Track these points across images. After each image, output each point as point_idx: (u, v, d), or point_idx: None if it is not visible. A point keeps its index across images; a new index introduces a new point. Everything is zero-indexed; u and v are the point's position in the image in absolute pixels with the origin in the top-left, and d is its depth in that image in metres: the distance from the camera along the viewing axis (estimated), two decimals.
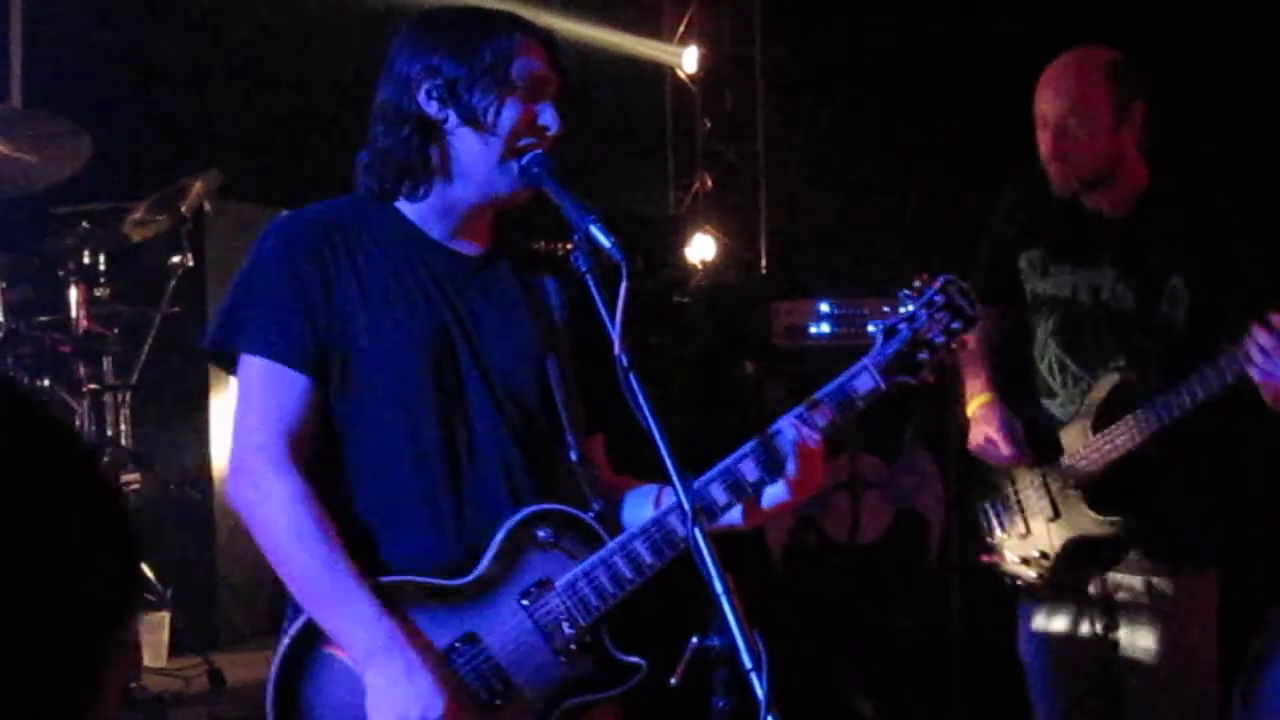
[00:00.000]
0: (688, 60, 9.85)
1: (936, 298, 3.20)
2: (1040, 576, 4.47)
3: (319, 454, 3.11)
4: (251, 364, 3.06)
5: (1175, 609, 4.33)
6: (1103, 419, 4.28)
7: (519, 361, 3.17)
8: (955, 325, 3.19)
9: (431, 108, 3.10)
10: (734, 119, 9.92)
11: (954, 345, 3.21)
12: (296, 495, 2.98)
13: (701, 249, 9.39)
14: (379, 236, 3.15)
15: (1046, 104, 4.35)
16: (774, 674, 2.40)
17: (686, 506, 2.57)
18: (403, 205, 3.19)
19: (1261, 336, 3.85)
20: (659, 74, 10.04)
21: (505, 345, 3.16)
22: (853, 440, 7.24)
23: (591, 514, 3.11)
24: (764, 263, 9.52)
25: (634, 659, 3.09)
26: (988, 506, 4.60)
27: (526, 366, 3.17)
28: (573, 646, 3.04)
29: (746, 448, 3.09)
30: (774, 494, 3.11)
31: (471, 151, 3.10)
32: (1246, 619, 4.36)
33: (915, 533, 7.32)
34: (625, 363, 2.66)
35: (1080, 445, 4.32)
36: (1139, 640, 4.37)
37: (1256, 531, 4.38)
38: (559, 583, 3.04)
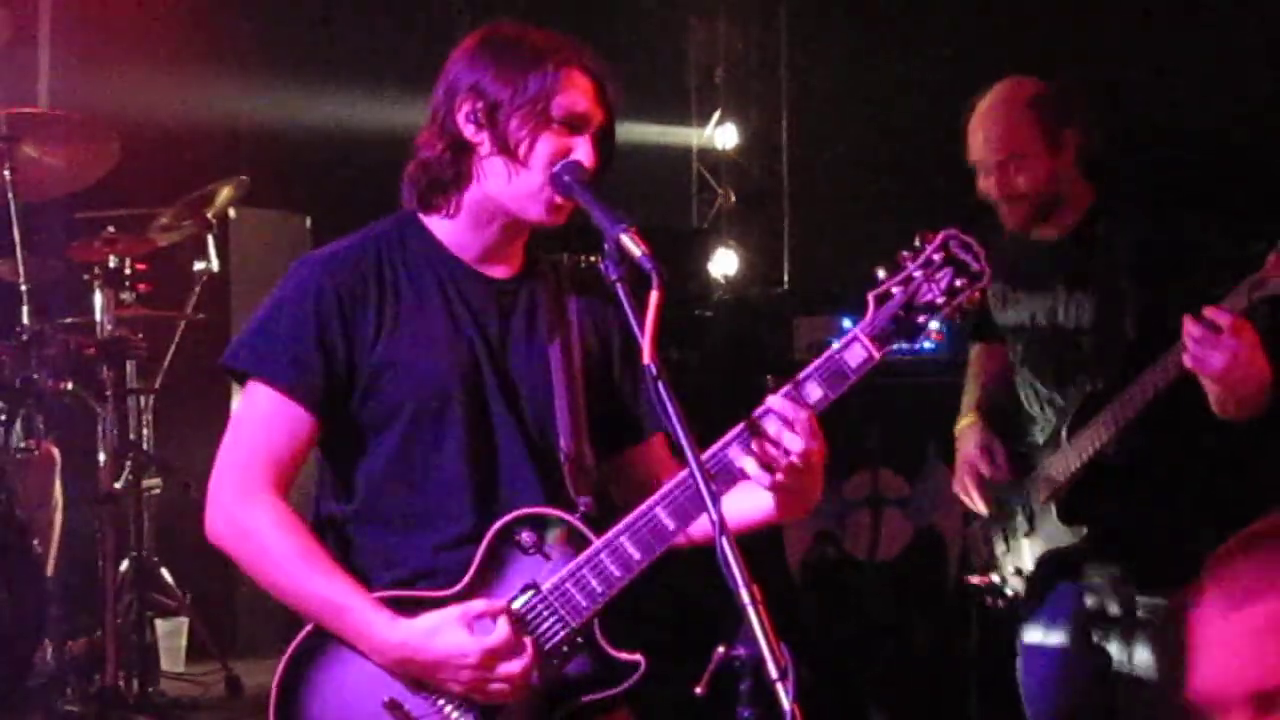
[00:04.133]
0: (713, 74, 9.86)
1: (935, 255, 3.06)
2: (1016, 594, 4.51)
3: (336, 470, 3.15)
4: (259, 391, 3.07)
5: (1168, 624, 4.32)
6: (1075, 427, 4.28)
7: (539, 380, 3.17)
8: (959, 282, 3.04)
9: (469, 130, 3.10)
10: (759, 134, 9.92)
11: (963, 303, 3.06)
12: (281, 524, 3.00)
13: (724, 263, 9.38)
14: (413, 263, 3.15)
15: (979, 150, 4.36)
16: (798, 686, 2.39)
17: (714, 517, 2.55)
18: (435, 224, 3.19)
19: (1191, 326, 3.87)
20: (684, 88, 10.05)
21: (527, 366, 3.17)
22: (874, 457, 7.23)
23: (578, 514, 3.10)
24: (786, 278, 9.51)
25: (632, 657, 3.06)
26: (978, 528, 4.64)
27: (544, 384, 3.18)
28: (565, 649, 3.02)
29: (732, 433, 3.00)
30: (770, 479, 2.99)
31: (503, 179, 3.10)
32: None
33: (934, 551, 7.30)
34: (654, 372, 2.65)
35: (1055, 455, 4.34)
36: (1132, 656, 4.36)
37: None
38: (545, 585, 3.02)
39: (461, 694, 2.95)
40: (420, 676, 2.95)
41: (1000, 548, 4.54)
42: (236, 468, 3.06)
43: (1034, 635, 4.54)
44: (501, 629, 2.93)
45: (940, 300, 3.05)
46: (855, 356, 3.05)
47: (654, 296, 2.66)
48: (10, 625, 5.56)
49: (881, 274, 3.10)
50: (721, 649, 2.50)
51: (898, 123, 8.88)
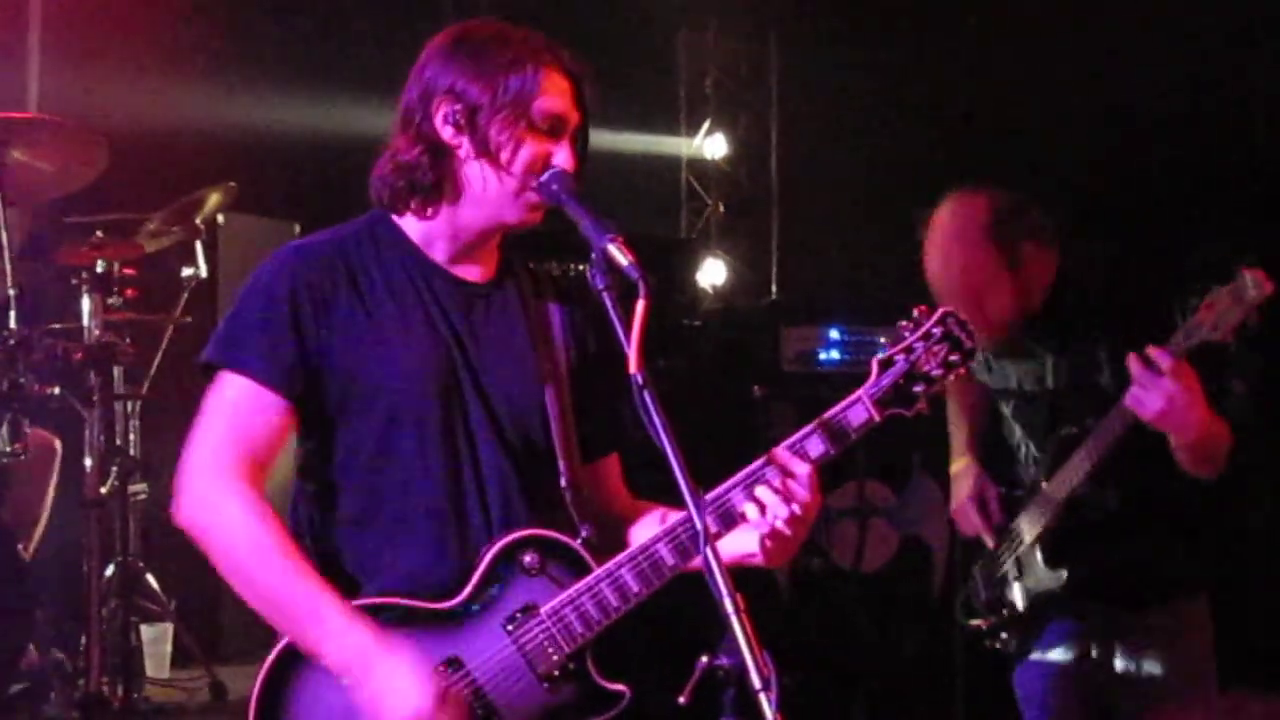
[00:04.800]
0: (703, 84, 9.87)
1: (934, 330, 3.23)
2: (1012, 638, 4.55)
3: (313, 474, 3.13)
4: (232, 382, 3.05)
5: (1167, 644, 4.34)
6: (1053, 471, 4.33)
7: (519, 387, 3.18)
8: (953, 358, 3.23)
9: (447, 133, 3.10)
10: (748, 144, 9.93)
11: (952, 377, 3.24)
12: (252, 512, 2.97)
13: (712, 273, 9.39)
14: (385, 263, 3.15)
15: (939, 284, 4.36)
16: (782, 696, 2.40)
17: (699, 525, 2.56)
18: (408, 224, 3.19)
19: (1133, 365, 3.92)
20: (673, 98, 10.06)
21: (506, 372, 3.17)
22: (861, 467, 7.23)
23: (579, 540, 3.11)
24: (775, 288, 9.52)
25: (618, 687, 3.08)
26: (976, 571, 4.67)
27: (526, 393, 3.18)
28: (556, 673, 3.02)
29: (736, 479, 3.08)
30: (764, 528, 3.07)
31: (482, 182, 3.10)
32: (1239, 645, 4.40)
33: (920, 560, 7.31)
34: (640, 381, 2.65)
35: (1037, 499, 4.39)
36: (1131, 669, 4.37)
37: (1206, 566, 4.39)
38: (544, 609, 3.03)
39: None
40: (357, 684, 2.89)
41: (995, 591, 4.57)
42: (210, 453, 3.02)
43: (1033, 654, 4.55)
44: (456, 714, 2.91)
45: (936, 373, 3.21)
46: (858, 416, 3.18)
47: (641, 306, 2.67)
48: None
49: (884, 341, 3.27)
50: (705, 658, 2.51)
51: (886, 134, 8.90)
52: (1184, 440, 3.99)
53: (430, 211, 3.15)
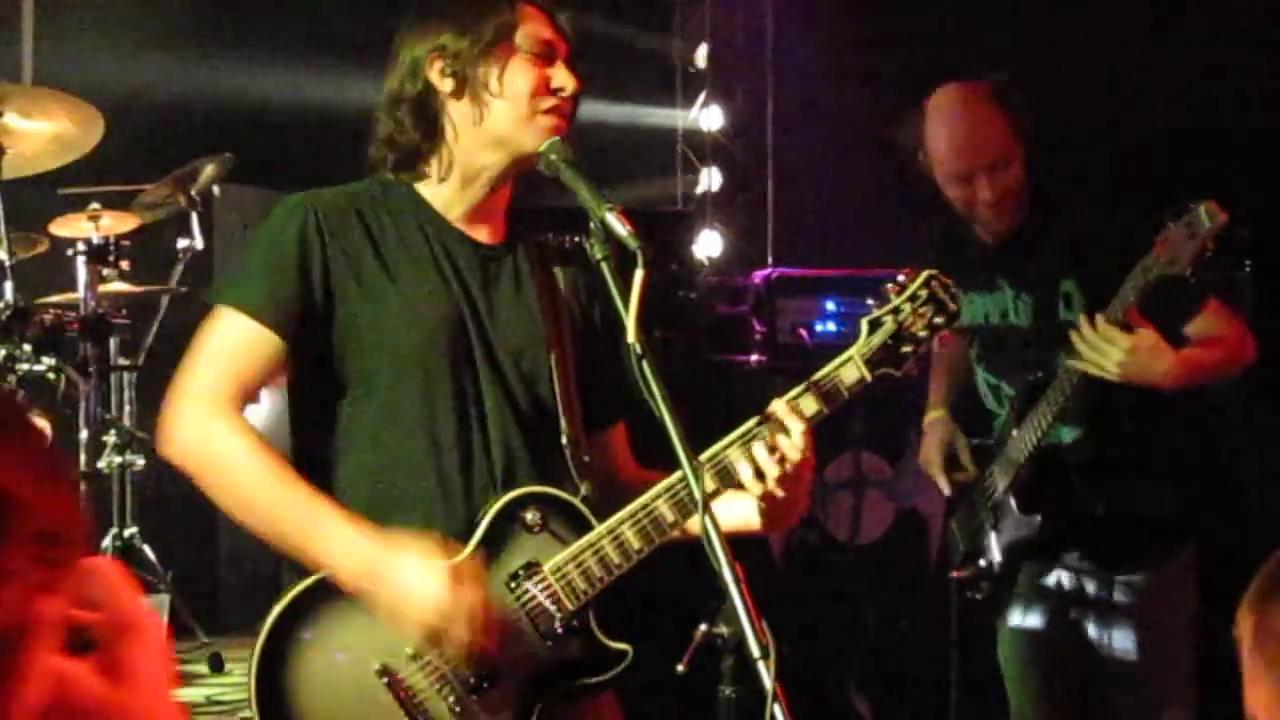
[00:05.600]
0: (698, 56, 9.84)
1: (920, 292, 3.27)
2: (992, 587, 4.56)
3: (314, 424, 3.14)
4: (227, 316, 3.06)
5: (1144, 602, 4.35)
6: (1021, 417, 4.34)
7: (528, 348, 3.19)
8: (938, 320, 3.26)
9: (446, 85, 3.15)
10: (744, 114, 9.91)
11: (938, 339, 3.33)
12: (249, 438, 2.99)
13: (708, 245, 9.38)
14: (398, 217, 3.18)
15: (953, 161, 4.33)
16: (780, 665, 2.40)
17: (697, 494, 2.57)
18: (422, 187, 3.23)
19: (1076, 336, 4.02)
20: (669, 68, 10.04)
21: (515, 331, 3.19)
22: (857, 439, 7.24)
23: (580, 497, 3.12)
24: (771, 259, 9.51)
25: (620, 645, 3.10)
26: (954, 522, 4.69)
27: (534, 352, 3.20)
28: (559, 630, 3.03)
29: (733, 436, 3.09)
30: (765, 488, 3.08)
31: (492, 116, 3.14)
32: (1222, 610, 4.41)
33: (916, 532, 7.32)
34: (640, 351, 2.66)
35: (1008, 447, 4.40)
36: (1110, 637, 4.39)
37: (1190, 521, 4.40)
38: (547, 566, 3.03)
39: (406, 633, 2.91)
40: (373, 596, 2.89)
41: (973, 542, 4.57)
42: (203, 385, 3.03)
43: (1014, 618, 4.58)
44: (477, 596, 2.92)
45: (923, 334, 3.25)
46: (850, 376, 3.19)
47: (639, 275, 2.68)
48: None
49: (872, 302, 3.29)
50: (704, 627, 2.51)
51: (883, 106, 8.87)
52: (1161, 385, 4.02)
53: (444, 170, 3.20)
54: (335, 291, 3.08)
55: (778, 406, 3.10)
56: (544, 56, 3.16)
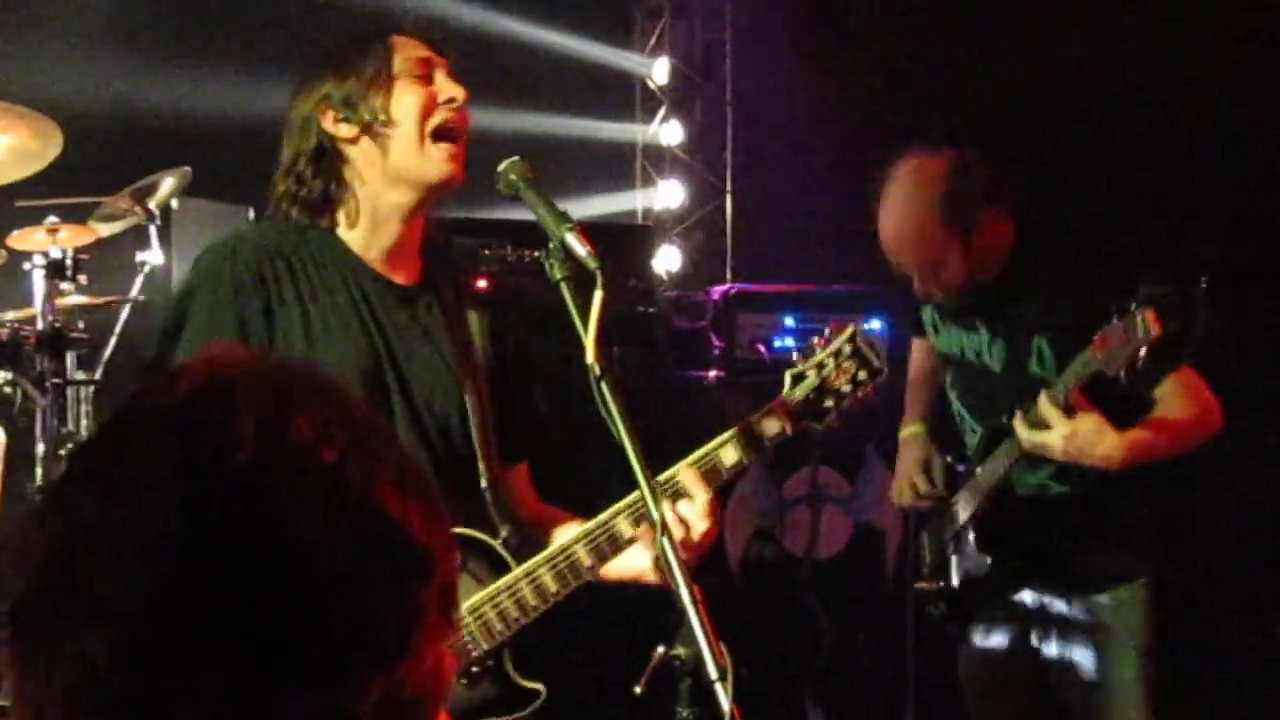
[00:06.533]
0: (658, 71, 9.86)
1: (845, 347, 3.31)
2: (951, 607, 4.61)
3: None
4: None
5: (1106, 623, 4.36)
6: (982, 459, 4.40)
7: (442, 389, 3.22)
8: (861, 376, 3.30)
9: (341, 129, 3.20)
10: (703, 129, 9.93)
11: (860, 395, 3.31)
12: None
13: (667, 260, 9.39)
14: (319, 261, 3.19)
15: (892, 250, 4.37)
16: (738, 684, 2.41)
17: (655, 516, 2.58)
18: (340, 232, 3.25)
19: (1019, 420, 4.08)
20: (629, 84, 10.05)
21: (430, 373, 3.22)
22: (814, 454, 7.25)
23: (499, 540, 3.15)
24: (729, 274, 9.53)
25: (533, 685, 3.13)
26: (924, 534, 4.72)
27: (448, 397, 3.22)
28: (474, 669, 3.06)
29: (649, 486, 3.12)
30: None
31: (391, 151, 3.17)
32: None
33: (874, 548, 7.33)
34: (598, 372, 2.67)
35: (970, 483, 4.46)
36: (1071, 656, 4.40)
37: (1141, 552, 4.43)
38: (465, 606, 3.05)
39: None
40: None
41: (938, 559, 4.60)
42: None
43: (975, 638, 4.59)
44: None
45: (845, 389, 3.28)
46: (771, 427, 3.24)
47: (599, 296, 2.68)
48: None
49: (796, 356, 3.33)
50: (661, 649, 2.52)
51: (842, 122, 8.91)
52: (1108, 468, 4.04)
53: (353, 216, 3.22)
54: (267, 337, 3.09)
55: (685, 473, 3.14)
56: (424, 76, 3.21)
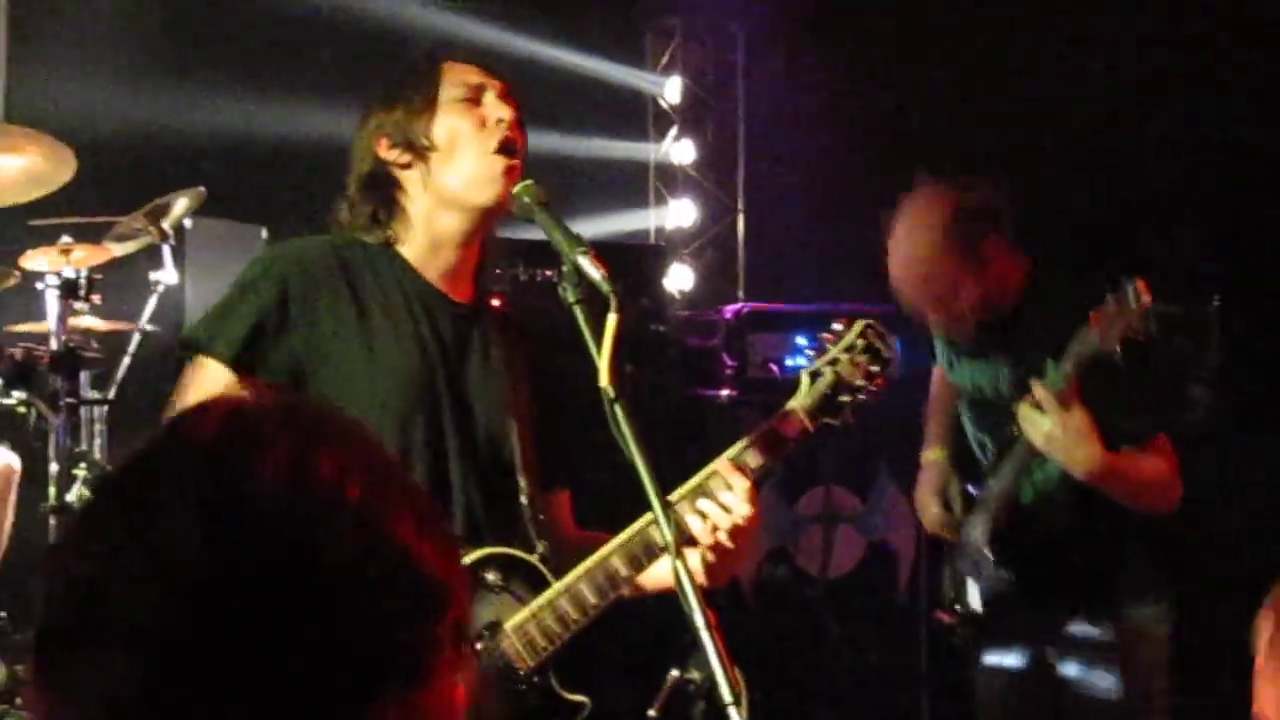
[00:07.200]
0: (670, 90, 9.87)
1: (857, 341, 3.32)
2: (969, 636, 4.59)
3: None
4: (203, 363, 3.11)
5: (1120, 649, 4.35)
6: (992, 474, 4.43)
7: (495, 408, 3.24)
8: (874, 368, 3.31)
9: (394, 155, 3.23)
10: (715, 148, 9.94)
11: (874, 387, 3.32)
12: None
13: (680, 279, 9.40)
14: (379, 274, 3.22)
15: (902, 287, 4.39)
16: (752, 709, 2.41)
17: (669, 537, 2.58)
18: (401, 249, 3.27)
19: (1022, 405, 4.09)
20: (641, 103, 10.06)
21: (484, 392, 3.24)
22: (827, 473, 7.25)
23: (536, 554, 3.15)
24: (742, 293, 9.54)
25: (578, 697, 3.13)
26: (945, 567, 4.70)
27: (500, 414, 3.24)
28: (521, 687, 3.05)
29: (680, 491, 3.14)
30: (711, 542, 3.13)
31: (441, 175, 3.19)
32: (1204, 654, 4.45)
33: (886, 567, 7.33)
34: (612, 395, 2.67)
35: (984, 505, 4.46)
36: (1091, 678, 4.40)
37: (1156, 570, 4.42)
38: (509, 625, 3.06)
39: None
40: None
41: (957, 589, 4.59)
42: None
43: (990, 658, 4.58)
44: None
45: (860, 383, 3.29)
46: (792, 428, 3.26)
47: (613, 319, 2.69)
48: None
49: (811, 354, 3.34)
50: (676, 672, 2.52)
51: (854, 140, 8.92)
52: (1076, 474, 4.05)
53: (412, 237, 3.25)
54: (314, 340, 3.10)
55: (721, 464, 3.16)
56: (474, 99, 3.23)
